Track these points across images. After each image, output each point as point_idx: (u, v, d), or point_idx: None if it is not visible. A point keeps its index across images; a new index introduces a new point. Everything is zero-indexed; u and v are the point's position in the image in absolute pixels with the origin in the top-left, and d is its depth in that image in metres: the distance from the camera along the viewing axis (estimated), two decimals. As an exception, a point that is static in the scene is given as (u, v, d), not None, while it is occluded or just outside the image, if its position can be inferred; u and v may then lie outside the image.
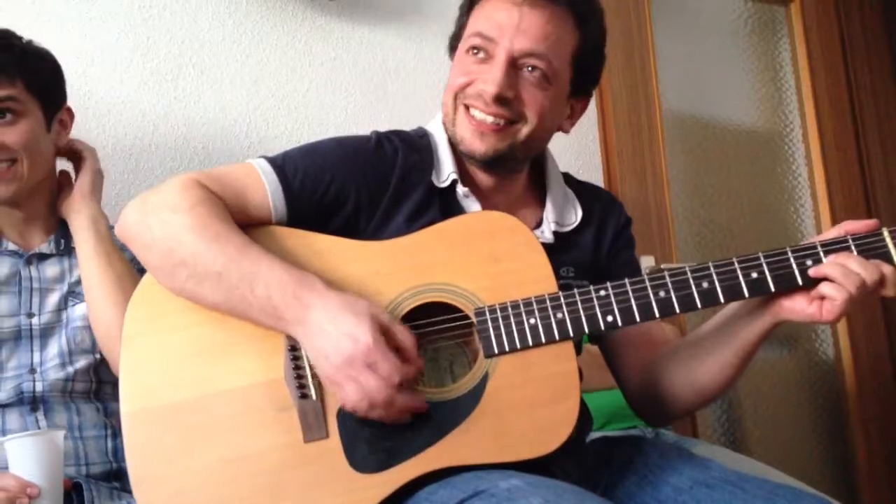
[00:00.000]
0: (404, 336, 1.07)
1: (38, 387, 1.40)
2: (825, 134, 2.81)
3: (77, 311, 1.47)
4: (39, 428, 1.37)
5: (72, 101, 1.57)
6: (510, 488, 0.97)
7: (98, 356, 1.46)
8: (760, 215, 2.77)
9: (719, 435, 2.61)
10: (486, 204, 1.29)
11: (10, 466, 1.20)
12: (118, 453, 1.43)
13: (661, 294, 1.12)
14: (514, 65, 1.23)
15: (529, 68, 1.23)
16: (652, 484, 1.16)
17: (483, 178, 1.31)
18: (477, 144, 1.24)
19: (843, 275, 1.09)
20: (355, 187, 1.22)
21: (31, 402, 1.40)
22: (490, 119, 1.23)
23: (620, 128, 2.45)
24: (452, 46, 1.34)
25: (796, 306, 1.13)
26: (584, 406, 1.25)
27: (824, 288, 1.10)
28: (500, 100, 1.22)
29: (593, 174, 2.38)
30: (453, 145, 1.30)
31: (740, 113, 2.82)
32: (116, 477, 1.41)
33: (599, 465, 1.25)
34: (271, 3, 2.02)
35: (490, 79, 1.22)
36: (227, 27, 1.97)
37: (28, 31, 1.51)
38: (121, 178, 1.82)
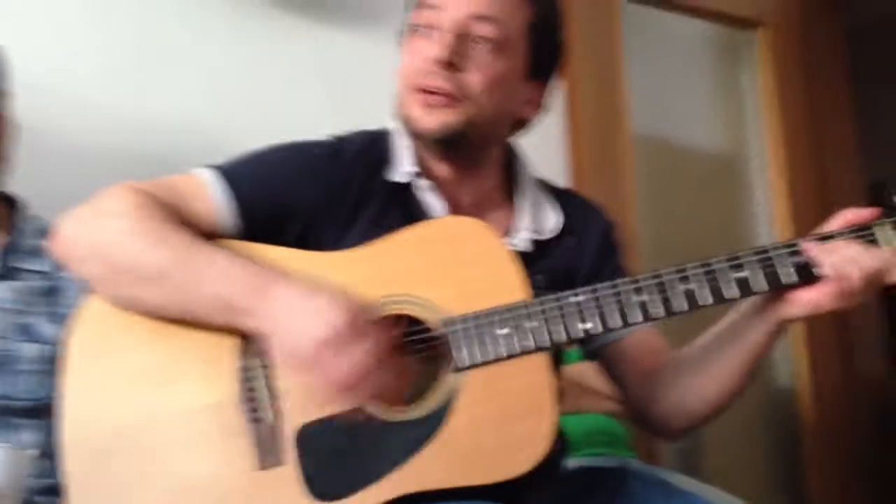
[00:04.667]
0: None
1: None
2: (786, 160, 2.82)
3: (24, 351, 1.34)
4: None
5: (17, 93, 1.47)
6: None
7: (48, 401, 1.31)
8: (725, 239, 2.78)
9: (676, 463, 2.58)
10: (448, 199, 1.21)
11: None
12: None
13: (642, 297, 1.06)
14: (462, 34, 1.16)
15: (480, 38, 1.16)
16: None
17: (441, 170, 1.23)
18: (427, 120, 1.16)
19: (840, 257, 1.04)
20: (310, 195, 1.15)
21: None
22: (435, 88, 1.16)
23: (588, 149, 2.42)
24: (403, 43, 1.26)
25: (798, 300, 1.07)
26: (560, 430, 1.19)
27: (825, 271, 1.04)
28: (443, 64, 1.15)
29: (559, 193, 2.36)
30: (412, 138, 1.22)
31: (705, 137, 2.85)
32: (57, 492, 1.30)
33: (577, 497, 1.19)
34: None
35: (434, 45, 1.16)
36: (191, 17, 1.90)
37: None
38: (71, 180, 1.70)
